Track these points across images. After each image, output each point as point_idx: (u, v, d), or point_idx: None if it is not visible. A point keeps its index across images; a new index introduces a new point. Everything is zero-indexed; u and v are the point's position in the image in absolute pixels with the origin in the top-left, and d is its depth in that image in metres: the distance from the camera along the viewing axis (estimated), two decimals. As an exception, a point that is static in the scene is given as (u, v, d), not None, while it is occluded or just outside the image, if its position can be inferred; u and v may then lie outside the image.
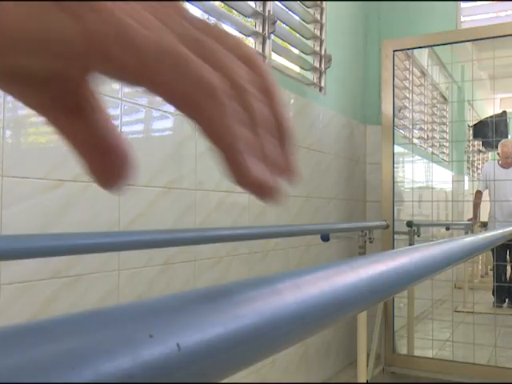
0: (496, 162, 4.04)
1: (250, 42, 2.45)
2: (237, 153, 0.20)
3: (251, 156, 0.21)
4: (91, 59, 0.19)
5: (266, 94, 0.22)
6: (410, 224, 2.99)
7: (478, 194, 4.03)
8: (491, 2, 4.01)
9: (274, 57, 2.50)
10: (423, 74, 3.79)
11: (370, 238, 2.55)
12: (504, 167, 3.83)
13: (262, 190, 0.21)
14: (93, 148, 0.23)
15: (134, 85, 0.20)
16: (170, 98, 0.20)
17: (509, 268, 3.80)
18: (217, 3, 2.12)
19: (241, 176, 0.21)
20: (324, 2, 2.91)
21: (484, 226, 3.80)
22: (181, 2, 0.21)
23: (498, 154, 4.01)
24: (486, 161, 4.89)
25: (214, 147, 0.21)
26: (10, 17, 0.18)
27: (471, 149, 4.71)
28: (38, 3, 0.18)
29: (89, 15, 0.18)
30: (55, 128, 0.23)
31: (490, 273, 3.78)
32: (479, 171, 4.75)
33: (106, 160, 0.23)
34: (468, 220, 3.92)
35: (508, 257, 3.69)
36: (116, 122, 1.59)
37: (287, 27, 2.65)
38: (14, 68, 0.20)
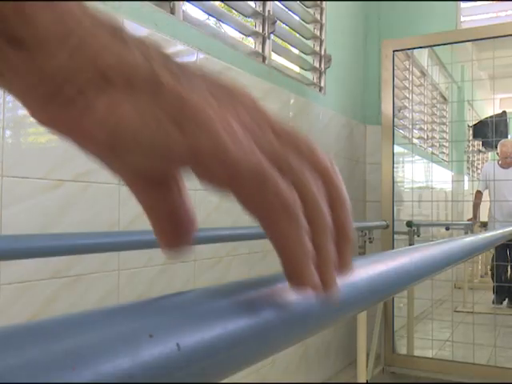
0: (496, 162, 4.03)
1: (250, 41, 2.46)
2: (301, 265, 0.23)
3: (313, 262, 0.24)
4: (190, 165, 0.22)
5: (335, 203, 0.25)
6: (409, 224, 2.99)
7: (478, 194, 4.03)
8: (491, 2, 4.02)
9: (274, 57, 2.50)
10: (423, 74, 3.79)
11: (369, 238, 2.55)
12: (504, 167, 3.83)
13: (316, 292, 0.24)
14: (166, 216, 0.26)
15: (217, 188, 0.23)
16: (247, 207, 0.23)
17: (509, 268, 3.80)
18: (217, 3, 2.12)
19: (299, 284, 0.24)
20: (324, 2, 2.92)
21: (484, 226, 3.80)
22: (265, 109, 0.24)
23: (498, 154, 4.01)
24: (486, 161, 4.89)
25: (279, 255, 0.24)
26: (130, 124, 0.21)
27: (471, 149, 4.71)
28: (153, 115, 0.21)
29: (195, 132, 0.22)
30: (136, 196, 0.26)
31: (490, 273, 3.78)
32: (479, 171, 4.76)
33: (174, 228, 0.26)
34: (468, 220, 3.92)
35: (508, 256, 3.69)
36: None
37: (287, 27, 2.65)
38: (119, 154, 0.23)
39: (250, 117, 0.23)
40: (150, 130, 0.22)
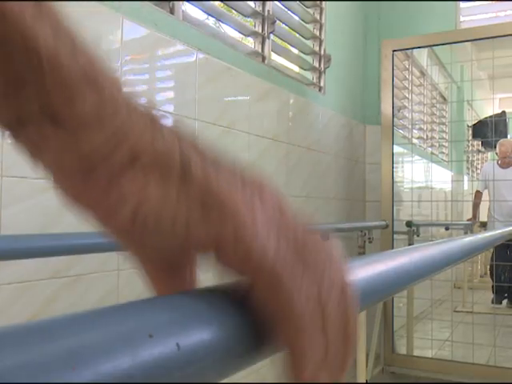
0: (495, 162, 4.03)
1: (250, 41, 2.46)
2: (308, 374, 0.23)
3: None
4: (211, 251, 0.23)
5: (341, 310, 0.24)
6: (409, 224, 2.99)
7: (478, 194, 4.03)
8: (490, 2, 4.02)
9: (274, 57, 2.50)
10: (422, 73, 3.79)
11: (369, 238, 2.55)
12: (503, 167, 3.82)
13: None
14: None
15: (232, 272, 0.23)
16: (259, 301, 0.23)
17: (508, 268, 3.78)
18: (216, 3, 2.12)
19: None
20: (323, 2, 2.92)
21: (483, 226, 3.80)
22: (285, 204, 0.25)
23: (497, 153, 4.01)
24: (486, 161, 4.89)
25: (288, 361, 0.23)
26: (154, 205, 0.22)
27: (470, 149, 4.71)
28: (179, 199, 0.22)
29: (220, 220, 0.22)
30: (147, 277, 0.27)
31: (489, 272, 3.78)
32: (478, 171, 4.75)
33: None
34: (467, 220, 3.91)
35: (508, 256, 3.66)
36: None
37: (287, 27, 2.65)
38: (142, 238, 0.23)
39: (273, 210, 0.24)
40: (174, 213, 0.22)
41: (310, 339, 0.23)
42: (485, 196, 3.98)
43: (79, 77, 0.21)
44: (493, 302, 3.82)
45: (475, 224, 3.79)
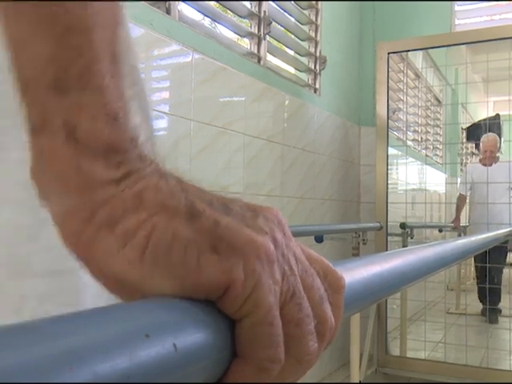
0: (478, 161, 3.99)
1: (246, 42, 2.46)
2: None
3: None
4: (217, 291, 0.23)
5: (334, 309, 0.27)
6: (403, 226, 3.00)
7: (462, 197, 3.98)
8: (485, 2, 4.03)
9: (269, 58, 2.50)
10: (417, 76, 3.80)
11: (363, 240, 2.55)
12: (486, 165, 3.71)
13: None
14: None
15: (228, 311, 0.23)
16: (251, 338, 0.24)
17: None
18: (212, 3, 2.12)
19: None
20: (319, 4, 2.92)
21: (460, 230, 3.79)
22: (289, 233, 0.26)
23: (479, 150, 3.95)
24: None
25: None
26: (161, 240, 0.23)
27: (465, 151, 4.71)
28: (187, 237, 0.23)
29: (233, 270, 0.22)
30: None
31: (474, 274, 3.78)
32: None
33: None
34: (451, 222, 3.89)
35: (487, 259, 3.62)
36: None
37: (282, 28, 2.65)
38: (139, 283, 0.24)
39: (281, 238, 0.25)
40: (182, 250, 0.23)
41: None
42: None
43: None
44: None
45: (458, 227, 3.78)
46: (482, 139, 3.88)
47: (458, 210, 3.90)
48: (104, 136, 0.23)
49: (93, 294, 0.40)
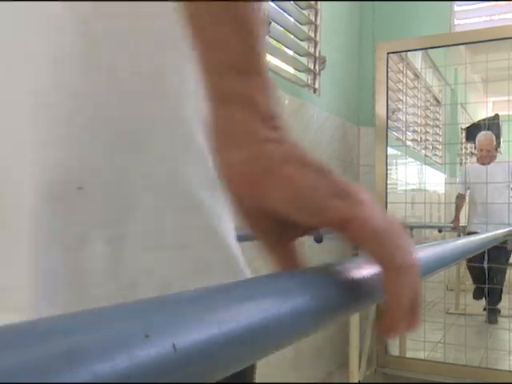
0: (476, 160, 3.98)
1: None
2: (398, 316, 0.34)
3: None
4: (339, 225, 0.32)
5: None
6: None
7: (461, 196, 3.97)
8: (484, 2, 4.03)
9: (269, 58, 2.50)
10: (417, 76, 3.81)
11: (363, 240, 2.55)
12: (483, 164, 3.67)
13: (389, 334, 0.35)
14: (283, 260, 0.37)
15: (351, 241, 0.33)
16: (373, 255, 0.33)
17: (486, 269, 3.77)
18: (212, 4, 2.11)
19: (388, 333, 0.34)
20: (319, 4, 2.92)
21: (463, 229, 3.78)
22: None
23: (475, 148, 3.93)
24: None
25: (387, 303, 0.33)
26: (306, 191, 0.32)
27: (464, 151, 4.72)
28: (328, 193, 0.32)
29: (354, 204, 0.32)
30: (266, 247, 0.36)
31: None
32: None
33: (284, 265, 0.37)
34: (450, 223, 3.89)
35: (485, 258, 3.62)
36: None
37: (282, 28, 2.65)
38: (277, 214, 0.33)
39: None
40: (320, 197, 0.32)
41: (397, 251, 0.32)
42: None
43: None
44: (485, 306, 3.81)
45: (458, 227, 3.78)
46: (477, 138, 3.87)
47: (457, 209, 3.89)
48: (270, 108, 0.33)
49: None
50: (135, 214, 0.42)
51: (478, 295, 3.89)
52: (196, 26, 0.33)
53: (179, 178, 0.44)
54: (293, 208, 0.31)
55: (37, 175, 0.41)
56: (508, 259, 3.58)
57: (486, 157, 3.71)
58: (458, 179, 4.25)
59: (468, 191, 3.89)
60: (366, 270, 0.36)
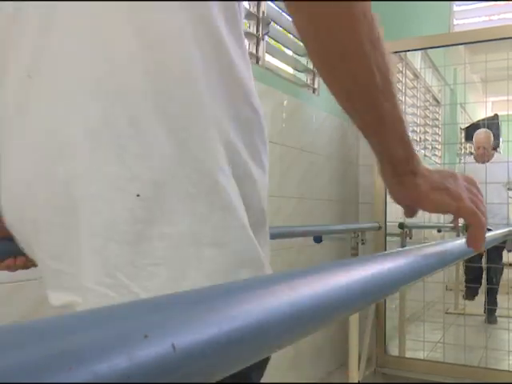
0: (472, 157, 3.93)
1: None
2: (481, 242, 0.61)
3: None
4: (452, 212, 0.60)
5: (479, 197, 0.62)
6: (401, 226, 3.00)
7: None
8: (483, 2, 4.03)
9: (268, 58, 2.50)
10: (416, 76, 3.81)
11: (362, 240, 2.55)
12: (480, 162, 3.64)
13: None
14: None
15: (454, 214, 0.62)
16: (467, 220, 0.61)
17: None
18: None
19: (477, 247, 0.62)
20: (318, 4, 2.92)
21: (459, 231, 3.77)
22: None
23: (472, 146, 3.89)
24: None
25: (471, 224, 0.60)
26: (430, 194, 0.59)
27: (463, 151, 4.72)
28: (445, 192, 0.59)
29: (459, 200, 0.58)
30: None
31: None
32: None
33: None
34: (450, 222, 3.87)
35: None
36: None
37: (281, 28, 2.65)
38: None
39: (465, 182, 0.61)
40: (439, 197, 0.58)
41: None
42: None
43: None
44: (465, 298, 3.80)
45: (456, 227, 3.76)
46: (474, 136, 3.83)
47: None
48: (410, 154, 0.57)
49: None
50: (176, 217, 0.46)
51: (469, 295, 3.88)
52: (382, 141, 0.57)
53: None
54: (425, 199, 0.58)
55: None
56: (501, 258, 3.57)
57: (483, 155, 3.67)
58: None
59: None
60: (365, 270, 0.36)
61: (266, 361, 0.55)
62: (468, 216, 0.58)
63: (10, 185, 0.51)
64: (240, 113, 0.53)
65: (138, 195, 0.44)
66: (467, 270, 3.93)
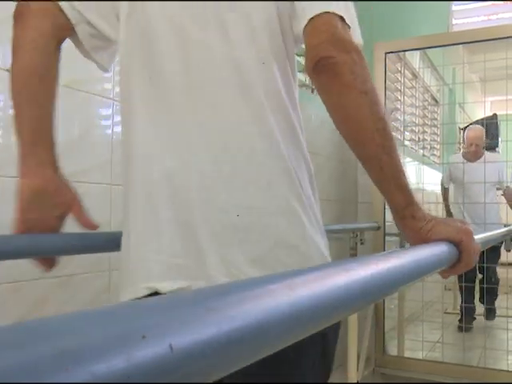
0: (460, 154, 3.82)
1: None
2: (462, 270, 0.72)
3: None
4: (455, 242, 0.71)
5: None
6: (400, 226, 2.99)
7: (446, 190, 3.88)
8: (482, 2, 4.04)
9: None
10: (415, 76, 3.81)
11: (361, 240, 2.55)
12: (471, 160, 3.56)
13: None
14: None
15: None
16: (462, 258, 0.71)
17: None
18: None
19: (445, 276, 0.78)
20: (317, 4, 2.92)
21: None
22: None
23: (464, 142, 3.77)
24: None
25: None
26: (441, 232, 0.71)
27: (462, 151, 4.72)
28: (450, 227, 0.71)
29: (462, 237, 0.69)
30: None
31: (479, 275, 3.73)
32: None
33: None
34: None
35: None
36: (108, 122, 1.58)
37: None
38: None
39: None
40: (447, 233, 0.69)
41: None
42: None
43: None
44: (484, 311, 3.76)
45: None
46: (466, 132, 3.76)
47: (446, 206, 3.86)
48: (421, 213, 0.73)
49: None
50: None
51: (468, 318, 3.82)
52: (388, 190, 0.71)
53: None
54: (425, 236, 0.70)
55: None
56: (498, 257, 3.56)
57: (475, 152, 3.58)
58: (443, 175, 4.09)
59: (452, 186, 3.80)
60: (364, 270, 0.36)
61: (339, 324, 0.77)
62: (467, 253, 0.68)
63: None
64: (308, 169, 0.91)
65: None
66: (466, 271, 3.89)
